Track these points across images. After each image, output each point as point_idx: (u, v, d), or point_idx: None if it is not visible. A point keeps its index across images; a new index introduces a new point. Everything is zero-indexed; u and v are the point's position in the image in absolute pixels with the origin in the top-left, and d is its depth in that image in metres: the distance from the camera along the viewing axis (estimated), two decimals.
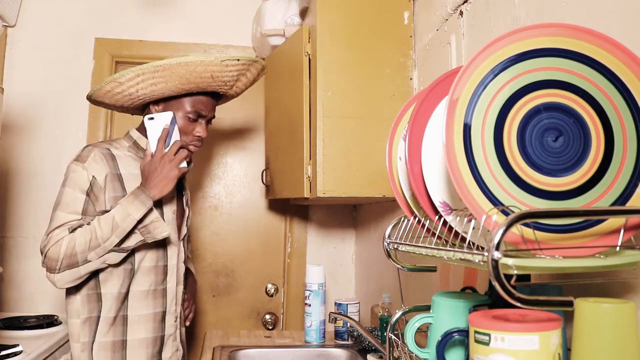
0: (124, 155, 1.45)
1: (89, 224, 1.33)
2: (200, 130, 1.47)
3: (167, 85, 1.39)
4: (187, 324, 1.61)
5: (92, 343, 1.38)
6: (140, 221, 1.33)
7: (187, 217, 1.58)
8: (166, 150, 1.40)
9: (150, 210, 1.35)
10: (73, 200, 1.36)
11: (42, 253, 1.33)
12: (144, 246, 1.41)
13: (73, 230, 1.32)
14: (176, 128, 1.43)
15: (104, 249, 1.31)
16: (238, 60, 1.40)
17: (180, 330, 1.53)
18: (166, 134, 1.41)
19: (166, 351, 1.47)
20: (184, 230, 1.54)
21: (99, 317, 1.39)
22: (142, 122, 1.50)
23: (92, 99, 1.49)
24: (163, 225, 1.37)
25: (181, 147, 1.42)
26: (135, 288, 1.42)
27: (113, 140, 1.52)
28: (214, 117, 1.54)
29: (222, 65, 1.39)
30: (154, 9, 2.35)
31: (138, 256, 1.42)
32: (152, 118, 1.42)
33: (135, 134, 1.50)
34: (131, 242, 1.35)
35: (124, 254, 1.36)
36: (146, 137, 1.47)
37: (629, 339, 0.59)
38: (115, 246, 1.32)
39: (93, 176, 1.37)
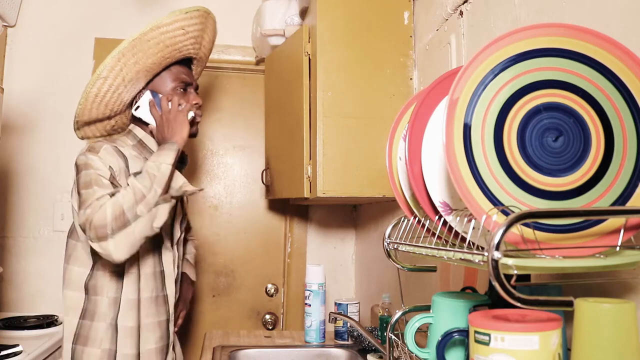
0: (130, 154, 1.42)
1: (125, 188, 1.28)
2: (194, 97, 1.50)
3: (148, 60, 1.39)
4: (176, 329, 1.57)
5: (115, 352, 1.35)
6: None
7: (182, 221, 1.56)
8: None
9: (177, 159, 1.34)
10: (102, 179, 1.30)
11: (85, 228, 1.22)
12: (143, 250, 1.40)
13: (112, 195, 1.27)
14: (159, 96, 1.47)
15: (149, 201, 1.25)
16: (197, 10, 1.43)
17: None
18: (154, 103, 1.45)
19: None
20: (177, 235, 1.52)
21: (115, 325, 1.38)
22: (140, 121, 1.49)
23: (80, 121, 1.47)
24: (192, 186, 1.36)
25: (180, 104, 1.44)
26: (143, 295, 1.39)
27: (116, 139, 1.49)
28: (197, 86, 1.56)
29: (188, 17, 1.41)
30: (153, 9, 2.35)
31: (140, 261, 1.40)
32: (137, 107, 1.47)
33: (141, 133, 1.48)
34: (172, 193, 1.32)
35: (169, 206, 1.30)
36: (152, 137, 1.48)
37: (629, 339, 0.59)
38: (159, 197, 1.27)
39: (110, 166, 1.33)
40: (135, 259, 1.38)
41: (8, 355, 1.49)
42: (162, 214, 1.28)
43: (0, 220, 2.17)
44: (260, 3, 2.19)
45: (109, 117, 1.53)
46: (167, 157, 1.31)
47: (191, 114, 1.45)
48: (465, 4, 1.31)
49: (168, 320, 1.45)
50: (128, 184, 1.29)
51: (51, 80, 2.25)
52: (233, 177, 2.41)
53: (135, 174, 1.31)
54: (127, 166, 1.38)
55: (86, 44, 2.27)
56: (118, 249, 1.22)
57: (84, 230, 1.24)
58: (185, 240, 1.85)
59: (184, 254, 1.81)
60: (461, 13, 1.33)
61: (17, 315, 2.02)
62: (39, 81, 2.24)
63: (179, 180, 1.34)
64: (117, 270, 1.36)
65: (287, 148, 1.84)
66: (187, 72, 1.52)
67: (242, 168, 2.41)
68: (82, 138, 1.58)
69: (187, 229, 1.84)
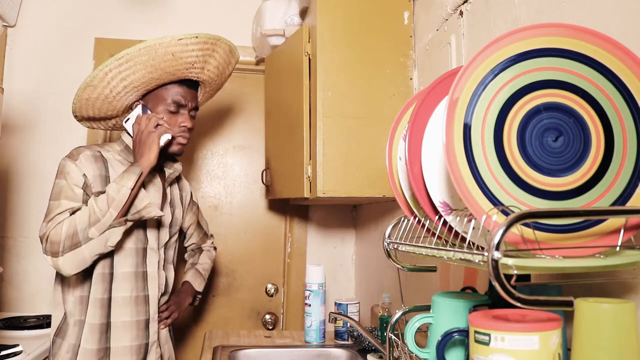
0: (114, 158, 1.47)
1: (86, 205, 1.34)
2: (183, 120, 1.49)
3: (135, 76, 1.40)
4: (163, 327, 1.56)
5: (78, 347, 1.40)
6: (133, 206, 1.35)
7: (170, 225, 1.57)
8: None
9: (140, 183, 1.35)
10: (72, 192, 1.37)
11: (42, 240, 1.32)
12: (124, 251, 1.42)
13: (73, 212, 1.33)
14: (148, 112, 1.48)
15: (103, 224, 1.30)
16: (197, 37, 1.40)
17: (159, 334, 1.53)
18: (139, 119, 1.44)
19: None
20: (164, 238, 1.54)
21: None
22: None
23: (79, 116, 1.53)
24: (156, 210, 1.38)
25: (158, 125, 1.44)
26: (117, 294, 1.42)
27: (105, 143, 1.54)
28: (196, 108, 1.55)
29: (181, 44, 1.39)
30: (154, 9, 2.35)
31: (117, 261, 1.42)
32: (127, 119, 1.49)
33: (128, 139, 1.53)
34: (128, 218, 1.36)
35: (123, 229, 1.34)
36: None
37: (629, 339, 0.59)
38: (114, 220, 1.31)
39: (84, 174, 1.39)
40: (108, 260, 1.41)
41: (8, 355, 1.49)
42: (116, 235, 1.34)
43: (0, 220, 2.17)
44: (260, 3, 2.19)
45: (108, 118, 1.56)
46: (128, 181, 1.33)
47: (166, 137, 1.43)
48: (465, 4, 1.31)
49: (148, 320, 1.47)
50: (88, 204, 1.33)
51: (51, 80, 2.25)
52: (233, 177, 2.41)
53: (99, 193, 1.34)
54: (107, 171, 1.43)
55: (86, 44, 2.27)
56: (66, 266, 1.31)
57: (41, 241, 1.32)
58: (200, 250, 1.86)
59: (193, 263, 1.82)
60: (461, 13, 1.33)
61: (17, 315, 2.02)
62: (39, 81, 2.24)
63: (144, 201, 1.36)
64: (85, 270, 1.40)
65: (287, 148, 1.84)
66: (185, 92, 1.49)
67: (242, 168, 2.41)
68: (89, 127, 1.63)
69: (204, 238, 1.85)
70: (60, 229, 1.30)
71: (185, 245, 1.85)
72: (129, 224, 1.36)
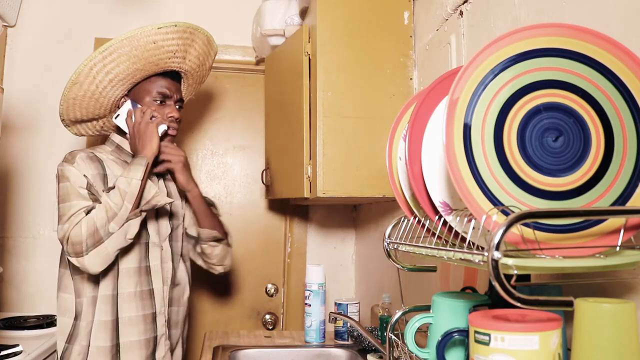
0: (107, 158, 1.48)
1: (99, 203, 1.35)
2: (170, 111, 1.51)
3: (120, 68, 1.42)
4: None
5: (88, 347, 1.40)
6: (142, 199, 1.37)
7: (171, 217, 1.57)
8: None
9: (147, 173, 1.37)
10: (79, 192, 1.38)
11: (63, 242, 1.33)
12: (124, 248, 1.42)
13: (88, 212, 1.34)
14: (138, 106, 1.50)
15: (121, 218, 1.32)
16: (175, 25, 1.44)
17: (171, 332, 1.53)
18: (131, 113, 1.47)
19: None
20: (165, 231, 1.54)
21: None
22: (119, 127, 1.53)
23: (66, 119, 1.54)
24: (164, 197, 1.40)
25: (153, 116, 1.46)
26: (123, 290, 1.42)
27: (95, 147, 1.56)
28: (182, 100, 1.56)
29: (162, 32, 1.42)
30: (153, 9, 2.35)
31: (120, 258, 1.42)
32: (117, 115, 1.50)
33: (117, 138, 1.55)
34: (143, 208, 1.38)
35: (140, 220, 1.36)
36: (127, 139, 1.52)
37: (629, 339, 0.59)
38: (130, 212, 1.33)
39: (84, 175, 1.40)
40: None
41: (8, 355, 1.49)
42: (134, 227, 1.35)
43: (0, 220, 2.17)
44: (260, 3, 2.19)
45: (96, 119, 1.58)
46: (136, 172, 1.35)
47: (163, 127, 1.46)
48: (465, 4, 1.31)
49: (154, 314, 1.47)
50: (101, 201, 1.35)
51: (51, 80, 2.24)
52: (233, 177, 2.41)
53: (109, 189, 1.36)
54: (104, 170, 1.45)
55: (86, 44, 2.27)
56: (92, 263, 1.32)
57: (62, 244, 1.33)
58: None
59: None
60: (461, 13, 1.33)
61: (17, 315, 2.02)
62: (39, 81, 2.24)
63: (151, 190, 1.38)
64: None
65: (287, 148, 1.84)
66: (169, 84, 1.52)
67: (242, 168, 2.41)
68: (77, 134, 1.64)
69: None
70: (80, 229, 1.30)
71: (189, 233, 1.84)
72: (144, 214, 1.38)
